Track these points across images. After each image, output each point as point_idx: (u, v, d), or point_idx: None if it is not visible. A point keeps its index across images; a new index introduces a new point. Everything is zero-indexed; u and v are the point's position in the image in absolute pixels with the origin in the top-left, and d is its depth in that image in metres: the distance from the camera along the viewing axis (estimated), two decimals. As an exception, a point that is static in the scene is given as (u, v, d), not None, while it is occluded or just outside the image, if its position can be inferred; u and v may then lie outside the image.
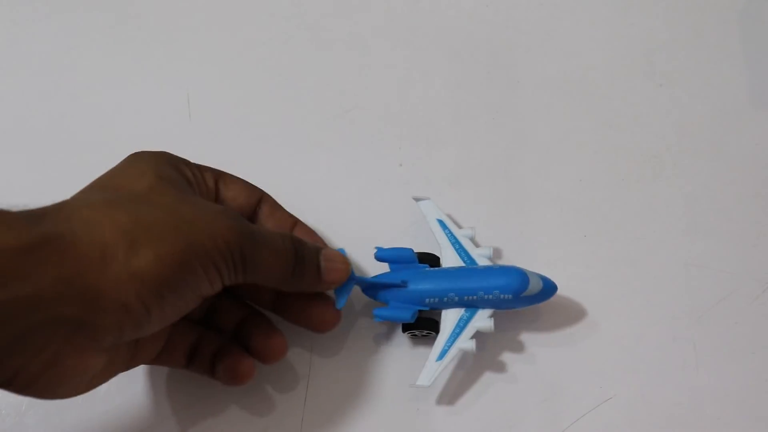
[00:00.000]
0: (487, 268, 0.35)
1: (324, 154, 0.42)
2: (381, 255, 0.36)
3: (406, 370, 0.36)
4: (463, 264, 0.36)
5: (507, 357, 0.36)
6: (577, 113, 0.43)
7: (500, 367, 0.36)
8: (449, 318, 0.35)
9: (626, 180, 0.41)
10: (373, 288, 0.35)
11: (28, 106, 0.44)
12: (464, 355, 0.36)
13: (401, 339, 0.37)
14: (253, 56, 0.45)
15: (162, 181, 0.30)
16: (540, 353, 0.37)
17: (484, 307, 0.35)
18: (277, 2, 0.46)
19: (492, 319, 0.35)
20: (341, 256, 0.34)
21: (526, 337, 0.37)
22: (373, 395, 0.36)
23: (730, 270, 0.38)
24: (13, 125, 0.43)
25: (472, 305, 0.35)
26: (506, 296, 0.34)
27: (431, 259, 0.37)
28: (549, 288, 0.36)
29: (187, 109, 0.43)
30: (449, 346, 0.34)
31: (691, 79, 0.44)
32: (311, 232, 0.36)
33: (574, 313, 0.37)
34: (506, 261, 0.39)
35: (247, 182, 0.35)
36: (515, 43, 0.45)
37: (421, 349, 0.36)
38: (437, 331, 0.35)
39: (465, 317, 0.35)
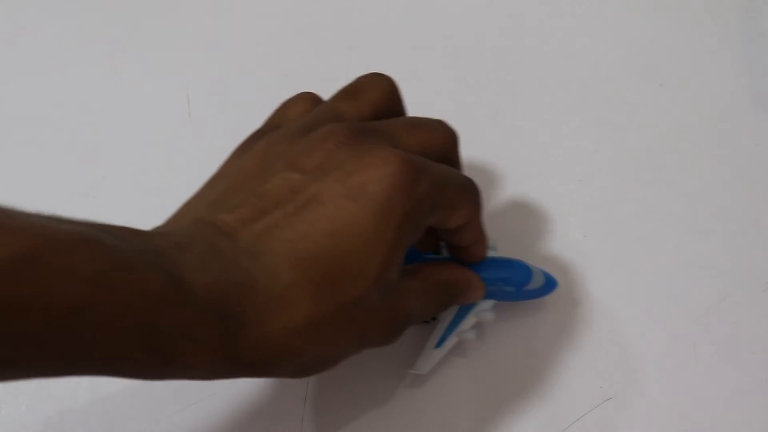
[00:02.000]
0: (491, 259, 0.35)
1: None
2: None
3: (406, 369, 0.36)
4: None
5: (507, 357, 0.36)
6: (577, 113, 0.43)
7: (500, 368, 0.36)
8: (456, 307, 0.35)
9: (626, 180, 0.41)
10: None
11: (27, 106, 0.44)
12: (463, 346, 0.36)
13: (403, 337, 0.37)
14: (253, 56, 0.45)
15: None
16: (540, 353, 0.37)
17: (487, 298, 0.35)
18: (277, 2, 0.46)
19: (493, 310, 0.35)
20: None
21: (525, 337, 0.37)
22: (374, 395, 0.36)
23: (730, 270, 0.38)
24: (12, 125, 0.43)
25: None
26: (509, 288, 0.34)
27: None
28: (550, 283, 0.36)
29: (187, 109, 0.43)
30: (449, 334, 0.34)
31: (691, 79, 0.44)
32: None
33: (573, 313, 0.37)
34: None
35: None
36: (515, 43, 0.45)
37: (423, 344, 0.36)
38: (438, 318, 0.35)
39: (466, 306, 0.35)
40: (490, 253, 0.36)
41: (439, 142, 0.30)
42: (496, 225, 0.40)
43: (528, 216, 0.40)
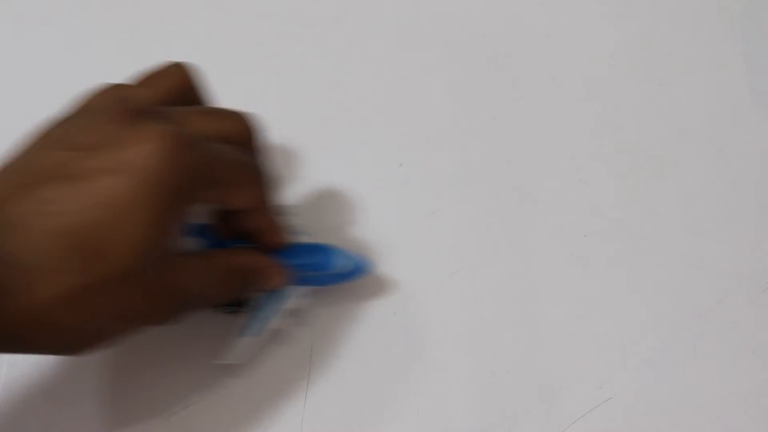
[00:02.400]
0: (296, 246, 0.35)
1: (324, 154, 0.42)
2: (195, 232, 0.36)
3: (407, 370, 0.36)
4: None
5: (507, 357, 0.36)
6: (577, 113, 0.43)
7: (500, 368, 0.36)
8: (262, 294, 0.34)
9: (626, 180, 0.41)
10: None
11: (27, 106, 0.44)
12: (285, 334, 0.36)
13: (408, 339, 0.37)
14: (253, 56, 0.45)
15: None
16: (540, 353, 0.37)
17: (294, 284, 0.34)
18: (277, 2, 0.46)
19: (302, 296, 0.35)
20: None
21: (526, 337, 0.37)
22: (374, 394, 0.36)
23: (730, 270, 0.38)
24: (12, 125, 0.43)
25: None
26: (314, 273, 0.34)
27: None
28: (361, 266, 0.36)
29: (187, 109, 0.43)
30: (256, 323, 0.34)
31: (691, 79, 0.44)
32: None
33: (573, 313, 0.37)
34: (505, 260, 0.39)
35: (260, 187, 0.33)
36: (515, 43, 0.45)
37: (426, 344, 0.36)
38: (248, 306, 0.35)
39: (277, 293, 0.34)
40: (303, 239, 0.36)
41: (231, 130, 0.30)
42: (496, 225, 0.40)
43: (528, 216, 0.40)
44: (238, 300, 0.34)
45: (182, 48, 0.45)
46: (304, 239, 0.36)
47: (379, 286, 0.38)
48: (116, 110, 0.27)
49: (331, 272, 0.35)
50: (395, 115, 0.43)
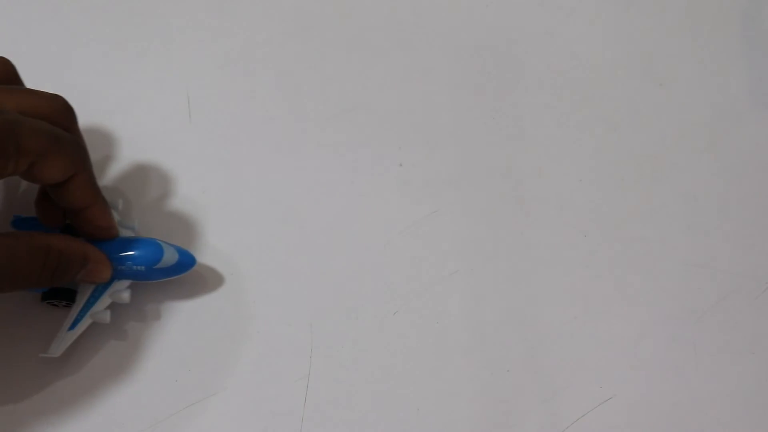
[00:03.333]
0: (120, 240, 0.35)
1: (324, 154, 0.42)
2: (18, 224, 0.36)
3: (406, 370, 0.36)
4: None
5: (507, 357, 0.36)
6: (577, 113, 0.43)
7: (500, 368, 0.36)
8: (85, 289, 0.34)
9: (626, 180, 0.41)
10: None
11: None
12: (101, 328, 0.36)
13: (408, 339, 0.37)
14: (253, 56, 0.45)
15: None
16: (540, 353, 0.37)
17: (120, 278, 0.35)
18: (277, 2, 0.46)
19: (129, 290, 0.35)
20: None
21: (526, 337, 0.37)
22: (374, 394, 0.36)
23: (730, 270, 0.38)
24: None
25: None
26: (139, 267, 0.34)
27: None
28: (186, 261, 0.36)
29: (187, 109, 0.43)
30: (82, 317, 0.34)
31: (691, 79, 0.44)
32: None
33: (573, 314, 0.37)
34: (501, 259, 0.39)
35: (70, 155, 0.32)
36: (515, 43, 0.45)
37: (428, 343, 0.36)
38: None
39: (100, 288, 0.34)
40: (128, 233, 0.36)
41: (46, 108, 0.31)
42: (496, 225, 0.40)
43: (528, 216, 0.40)
44: (67, 296, 0.35)
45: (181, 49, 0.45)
46: (130, 233, 0.36)
47: (380, 286, 0.38)
48: None
49: (160, 267, 0.35)
50: (395, 115, 0.43)
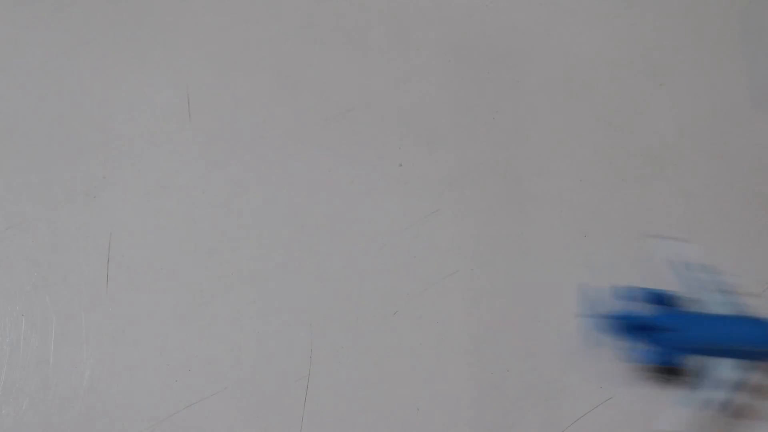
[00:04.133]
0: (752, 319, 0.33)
1: (324, 154, 0.42)
2: (631, 294, 0.35)
3: (409, 370, 0.36)
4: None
5: (507, 357, 0.36)
6: (577, 113, 0.43)
7: (500, 368, 0.36)
8: (719, 366, 0.33)
9: (626, 180, 0.41)
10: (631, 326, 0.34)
11: (27, 106, 0.44)
12: None
13: (409, 339, 0.37)
14: (253, 56, 0.45)
15: None
16: (540, 353, 0.37)
17: (751, 359, 0.33)
18: (276, 2, 0.46)
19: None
20: None
21: (526, 337, 0.37)
22: (374, 394, 0.36)
23: (730, 270, 0.38)
24: (13, 125, 0.43)
25: (743, 356, 0.33)
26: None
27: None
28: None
29: (187, 109, 0.43)
30: (708, 394, 0.33)
31: (691, 79, 0.44)
32: None
33: (573, 313, 0.37)
34: (505, 260, 0.39)
35: None
36: (515, 43, 0.45)
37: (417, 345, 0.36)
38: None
39: (732, 366, 0.33)
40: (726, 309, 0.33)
41: None
42: (497, 225, 0.40)
43: (528, 216, 0.40)
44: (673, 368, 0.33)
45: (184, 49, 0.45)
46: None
47: (380, 286, 0.38)
48: None
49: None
50: (395, 115, 0.43)
